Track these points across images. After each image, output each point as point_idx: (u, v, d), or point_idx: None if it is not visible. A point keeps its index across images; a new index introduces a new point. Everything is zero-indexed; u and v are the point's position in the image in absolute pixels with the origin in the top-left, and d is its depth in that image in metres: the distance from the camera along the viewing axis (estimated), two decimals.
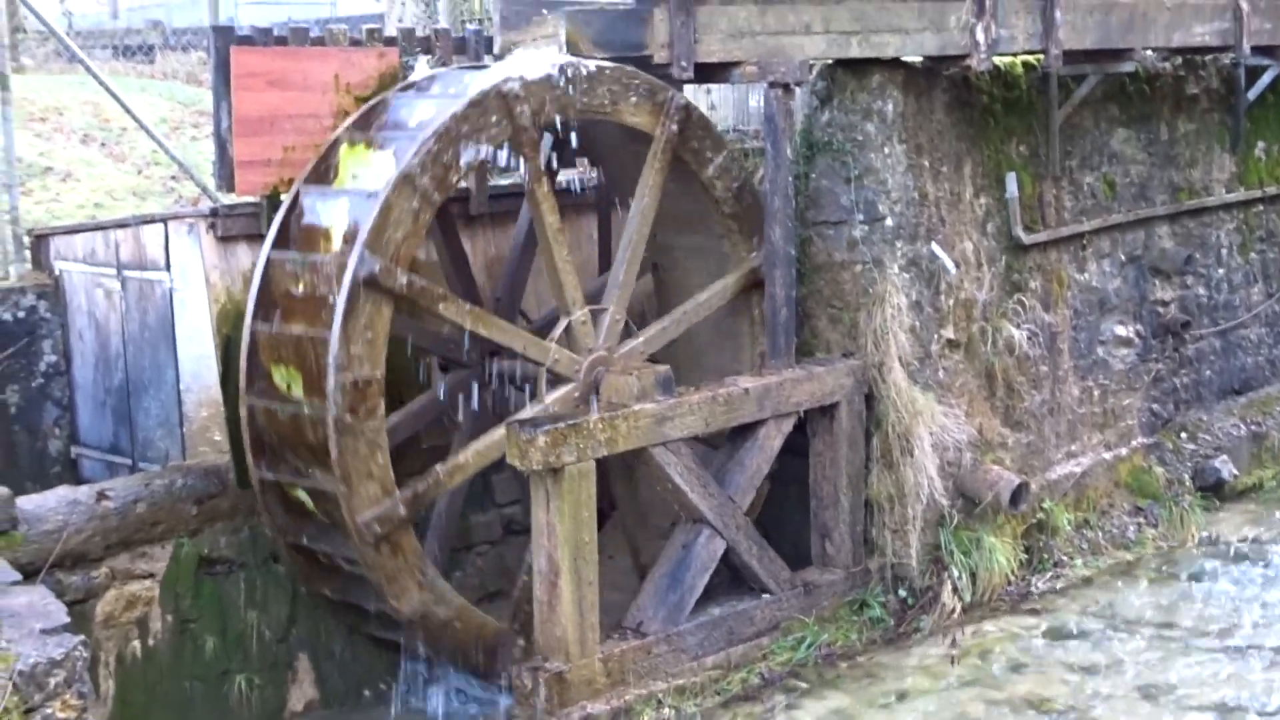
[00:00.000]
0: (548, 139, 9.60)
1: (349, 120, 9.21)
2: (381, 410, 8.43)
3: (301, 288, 8.60)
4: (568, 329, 9.19)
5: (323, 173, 8.98)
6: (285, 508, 8.93)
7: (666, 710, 8.84)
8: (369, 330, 8.31)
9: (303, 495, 8.73)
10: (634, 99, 9.16)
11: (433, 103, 8.88)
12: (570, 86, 8.83)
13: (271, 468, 8.85)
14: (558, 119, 8.92)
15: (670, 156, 9.39)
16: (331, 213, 8.68)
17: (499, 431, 8.79)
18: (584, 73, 8.91)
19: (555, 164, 11.36)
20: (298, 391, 8.56)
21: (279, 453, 8.79)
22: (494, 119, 8.60)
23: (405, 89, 9.32)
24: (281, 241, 8.86)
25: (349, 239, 8.42)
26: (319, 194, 8.87)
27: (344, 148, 8.98)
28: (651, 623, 9.11)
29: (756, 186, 9.99)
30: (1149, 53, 11.64)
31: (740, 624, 9.47)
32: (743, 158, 10.09)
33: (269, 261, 8.83)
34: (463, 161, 8.55)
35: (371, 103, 9.28)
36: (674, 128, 9.31)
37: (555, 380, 9.18)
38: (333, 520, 8.56)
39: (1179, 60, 12.37)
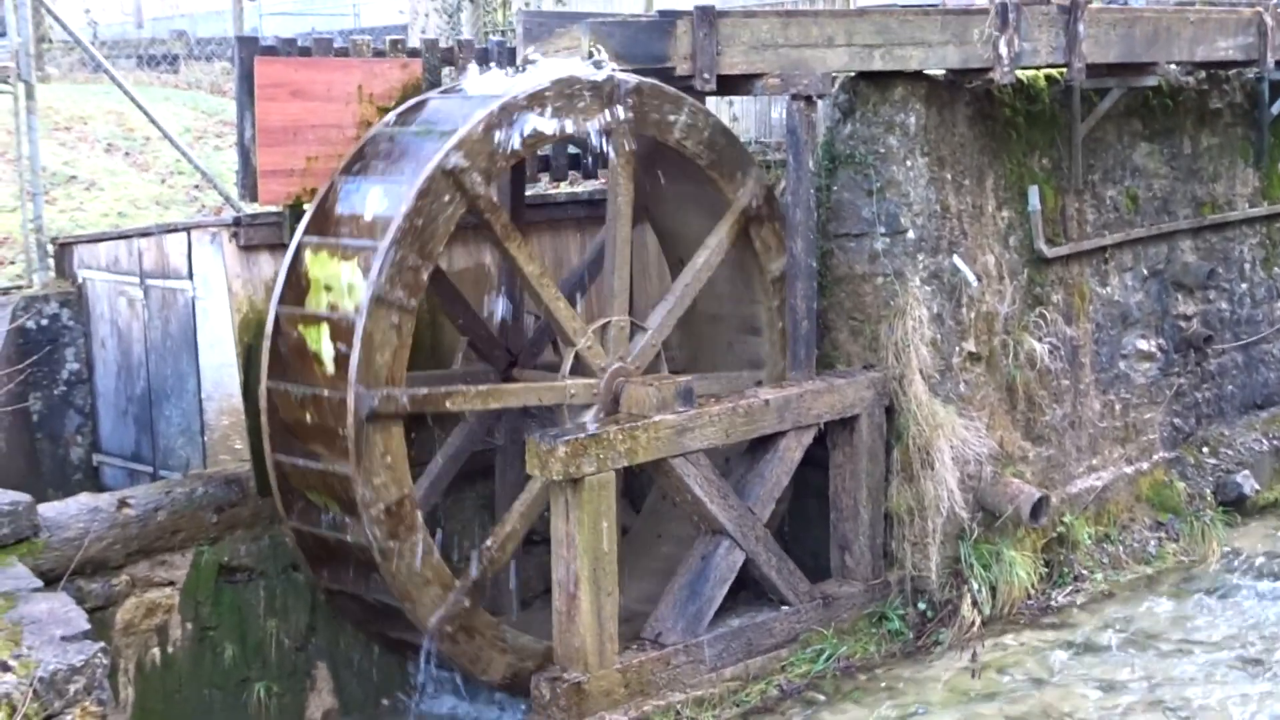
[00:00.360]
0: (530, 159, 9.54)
1: (307, 216, 9.01)
2: (419, 521, 8.50)
3: (310, 418, 8.65)
4: (577, 356, 9.20)
5: (294, 286, 8.87)
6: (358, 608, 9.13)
7: None
8: (386, 456, 8.36)
9: (372, 601, 8.88)
10: (580, 105, 8.93)
11: (381, 190, 8.75)
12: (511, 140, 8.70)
13: (335, 579, 8.99)
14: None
15: (633, 141, 9.24)
16: (317, 337, 8.67)
17: (537, 485, 8.86)
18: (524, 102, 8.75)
19: (579, 175, 11.44)
20: (337, 512, 8.67)
21: (336, 566, 8.93)
22: (446, 199, 8.50)
23: (354, 164, 9.14)
24: (276, 368, 8.84)
25: (340, 364, 8.43)
26: (300, 316, 8.80)
27: (308, 255, 8.84)
28: (670, 634, 9.11)
29: (726, 128, 9.91)
30: (1172, 67, 11.61)
31: (759, 636, 9.46)
32: (708, 119, 9.73)
33: (270, 391, 8.84)
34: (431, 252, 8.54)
35: (324, 189, 9.09)
36: (629, 114, 9.11)
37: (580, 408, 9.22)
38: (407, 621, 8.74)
39: (1202, 74, 12.34)
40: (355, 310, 8.36)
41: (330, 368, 8.53)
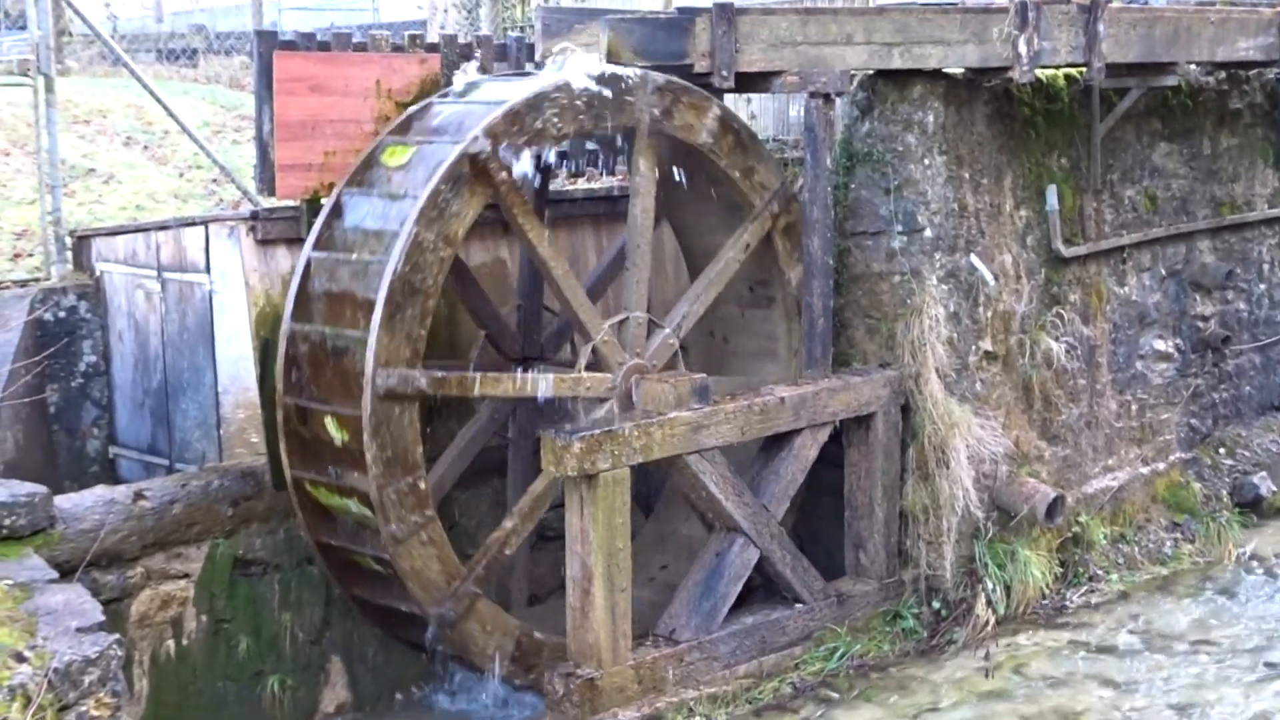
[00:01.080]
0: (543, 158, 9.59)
1: (322, 214, 9.10)
2: (430, 507, 8.55)
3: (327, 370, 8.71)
4: (594, 350, 9.20)
5: (327, 232, 8.98)
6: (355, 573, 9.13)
7: (698, 718, 8.83)
8: (399, 438, 8.39)
9: (373, 564, 8.89)
10: (608, 101, 8.93)
11: (404, 173, 8.83)
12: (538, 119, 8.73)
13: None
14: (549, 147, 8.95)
15: (657, 142, 9.27)
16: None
17: (543, 483, 8.91)
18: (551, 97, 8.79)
19: (597, 172, 11.45)
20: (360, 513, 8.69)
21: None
22: (470, 183, 8.54)
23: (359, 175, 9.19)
24: (302, 311, 8.90)
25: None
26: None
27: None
28: (684, 630, 9.11)
29: (753, 132, 9.93)
30: (1192, 67, 11.58)
31: (773, 633, 9.46)
32: (737, 124, 9.79)
33: (293, 333, 8.89)
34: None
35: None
36: (655, 112, 9.15)
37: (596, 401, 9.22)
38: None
39: (1222, 75, 12.30)
40: (377, 292, 8.37)
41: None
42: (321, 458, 8.75)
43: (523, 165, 8.73)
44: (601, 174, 11.66)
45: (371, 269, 8.53)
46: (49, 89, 11.05)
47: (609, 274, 10.35)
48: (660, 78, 9.13)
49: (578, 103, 8.83)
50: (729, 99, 10.26)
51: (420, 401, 8.56)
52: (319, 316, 8.80)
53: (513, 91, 8.88)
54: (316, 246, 8.93)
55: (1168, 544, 11.56)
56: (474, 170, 8.54)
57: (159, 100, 12.35)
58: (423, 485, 8.50)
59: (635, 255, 9.32)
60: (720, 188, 9.82)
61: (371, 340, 8.30)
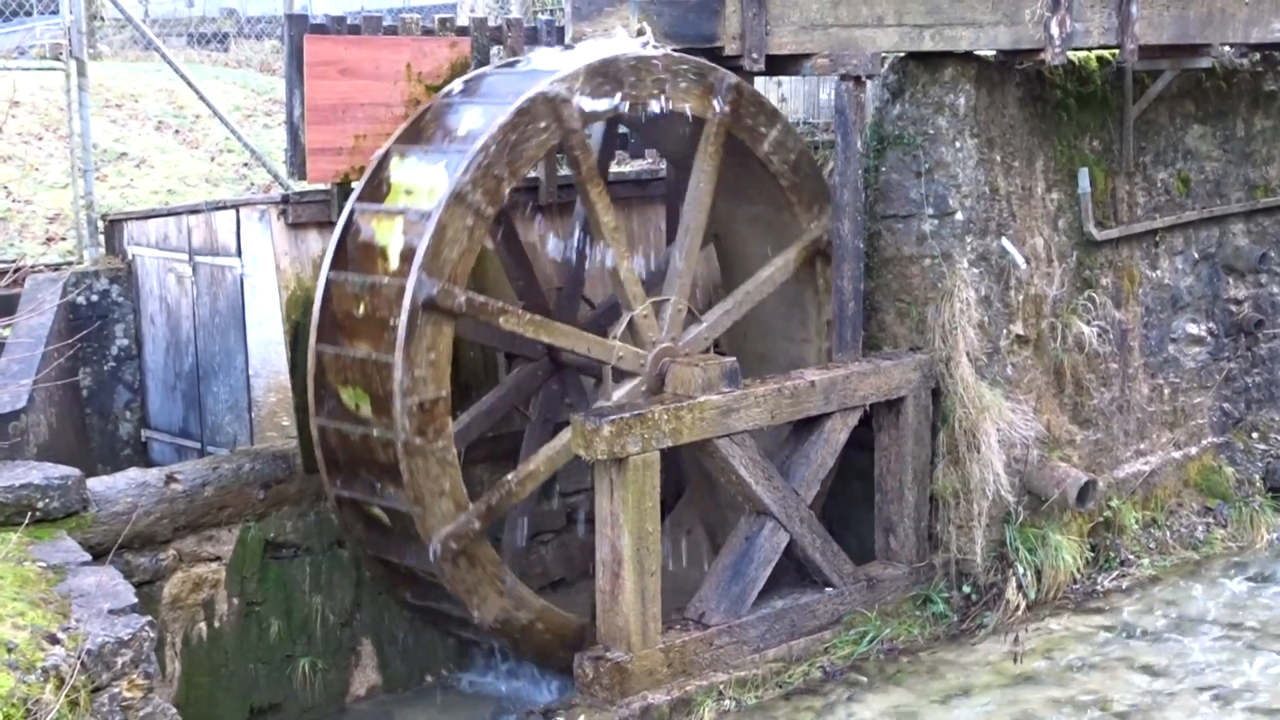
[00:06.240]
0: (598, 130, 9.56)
1: (399, 130, 9.16)
2: (449, 429, 8.46)
3: (362, 309, 8.63)
4: (630, 324, 9.18)
5: (375, 188, 8.96)
6: (364, 523, 9.01)
7: (727, 702, 8.84)
8: (431, 352, 8.33)
9: (379, 512, 8.81)
10: (683, 84, 9.03)
11: (480, 109, 8.85)
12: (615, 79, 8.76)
13: (347, 485, 8.91)
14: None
15: (724, 137, 9.32)
16: (389, 230, 8.69)
17: (566, 435, 8.82)
18: (631, 63, 8.82)
19: (626, 156, 11.43)
20: (367, 412, 8.61)
21: (353, 470, 8.85)
22: (542, 124, 8.57)
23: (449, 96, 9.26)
24: (340, 262, 8.89)
25: (406, 258, 8.44)
26: (373, 211, 8.85)
27: (394, 161, 8.96)
28: (714, 614, 9.11)
29: (812, 156, 9.95)
30: (1226, 49, 11.51)
31: (802, 617, 9.46)
32: (798, 142, 9.90)
33: (329, 282, 8.85)
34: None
35: (420, 110, 9.25)
36: (725, 108, 9.21)
37: (623, 375, 9.18)
38: (409, 535, 8.63)
39: (1257, 56, 12.22)
40: (433, 204, 8.36)
41: (394, 262, 8.53)
42: (345, 331, 8.68)
43: (595, 106, 8.73)
44: (630, 157, 11.65)
45: (421, 209, 8.50)
46: (81, 73, 11.09)
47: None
48: (734, 78, 9.21)
49: (655, 64, 8.86)
50: (759, 81, 10.24)
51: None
52: (357, 265, 8.77)
53: (577, 58, 8.88)
54: (361, 198, 8.93)
55: (1199, 529, 11.52)
56: (548, 108, 8.55)
57: (190, 84, 12.38)
58: (443, 410, 8.39)
59: (685, 242, 9.33)
60: (771, 203, 9.84)
61: (422, 245, 8.25)
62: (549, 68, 8.90)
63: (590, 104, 8.70)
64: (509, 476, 8.89)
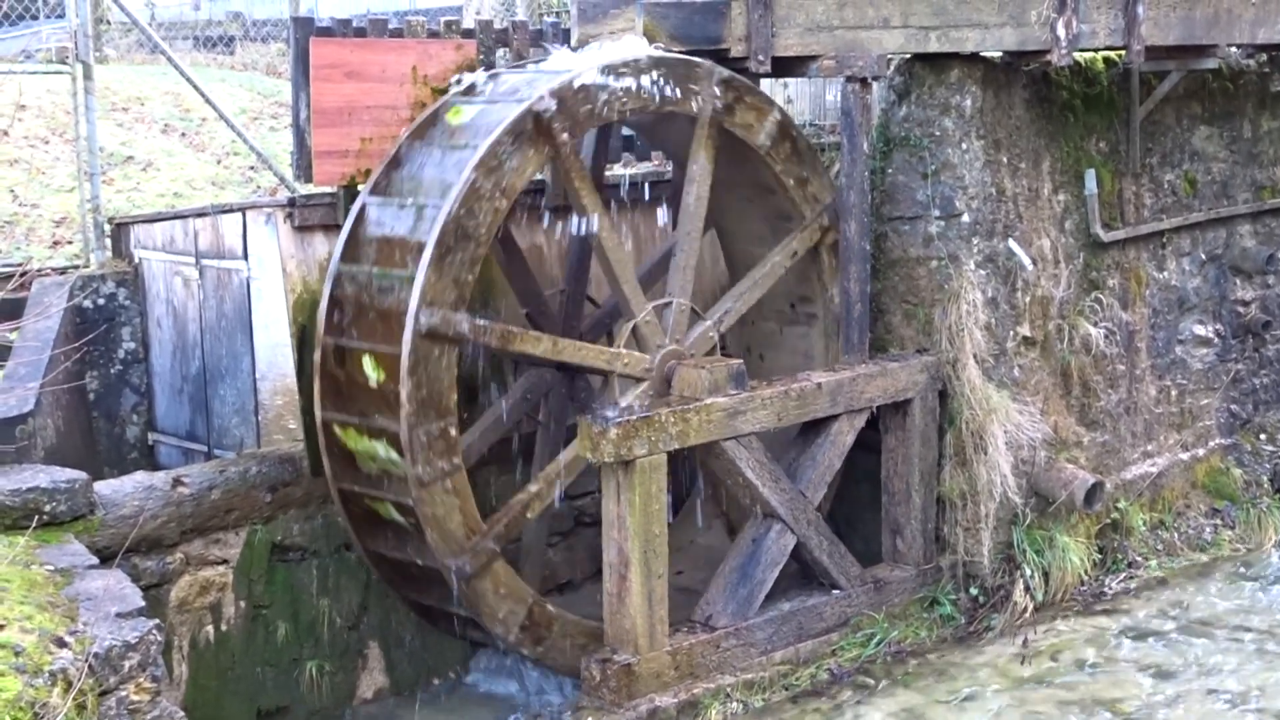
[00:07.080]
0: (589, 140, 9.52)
1: (380, 165, 9.11)
2: (459, 457, 8.45)
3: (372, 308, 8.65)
4: (634, 330, 9.16)
5: (386, 174, 8.98)
6: (371, 520, 9.02)
7: (734, 704, 8.84)
8: (435, 380, 8.29)
9: (394, 513, 8.80)
10: (673, 81, 8.91)
11: (478, 110, 8.83)
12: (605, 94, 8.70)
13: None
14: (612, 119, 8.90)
15: (717, 133, 9.28)
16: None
17: (570, 452, 8.85)
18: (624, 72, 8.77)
19: (633, 158, 11.42)
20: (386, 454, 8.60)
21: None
22: (531, 139, 8.49)
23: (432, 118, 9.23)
24: (350, 251, 8.86)
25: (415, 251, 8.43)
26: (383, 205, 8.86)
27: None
28: (721, 616, 9.11)
29: (812, 145, 9.92)
30: (1233, 49, 11.50)
31: (810, 619, 9.45)
32: (798, 133, 9.77)
33: (339, 275, 8.84)
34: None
35: (426, 112, 9.21)
36: (716, 104, 9.15)
37: (631, 380, 9.18)
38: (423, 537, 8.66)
39: (1264, 57, 12.21)
40: (431, 229, 8.32)
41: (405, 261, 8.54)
42: (355, 400, 8.64)
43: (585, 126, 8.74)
44: (635, 160, 11.64)
45: (426, 213, 8.48)
46: (87, 76, 11.09)
47: (658, 269, 10.29)
48: (725, 71, 9.12)
49: (644, 78, 8.79)
50: (765, 83, 10.23)
51: (460, 379, 8.50)
52: (367, 258, 8.74)
53: (579, 62, 8.85)
54: (372, 192, 8.92)
55: (1207, 530, 11.51)
56: (537, 128, 8.51)
57: (197, 87, 12.39)
58: (453, 432, 8.36)
59: (684, 242, 9.29)
60: (771, 195, 9.82)
61: (419, 276, 8.21)
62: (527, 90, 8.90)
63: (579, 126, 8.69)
64: (518, 497, 8.88)
